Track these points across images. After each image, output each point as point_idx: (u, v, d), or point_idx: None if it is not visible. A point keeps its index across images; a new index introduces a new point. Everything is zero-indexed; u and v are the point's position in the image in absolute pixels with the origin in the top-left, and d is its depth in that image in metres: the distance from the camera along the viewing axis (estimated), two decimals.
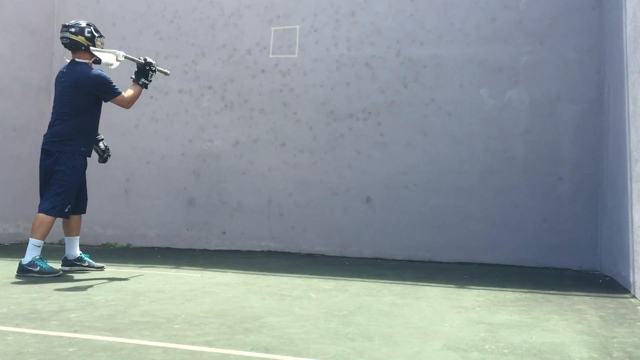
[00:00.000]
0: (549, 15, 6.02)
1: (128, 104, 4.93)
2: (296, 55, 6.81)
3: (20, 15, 7.25)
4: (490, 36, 6.19)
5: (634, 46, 4.23)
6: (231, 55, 7.04)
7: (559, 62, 5.97)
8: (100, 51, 4.89)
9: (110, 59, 4.88)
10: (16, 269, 4.62)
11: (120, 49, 7.26)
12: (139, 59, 5.06)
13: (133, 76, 5.02)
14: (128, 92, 4.93)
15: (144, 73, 4.99)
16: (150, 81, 5.06)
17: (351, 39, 6.63)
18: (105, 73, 4.89)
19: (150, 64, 5.01)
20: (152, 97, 7.16)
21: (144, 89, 5.06)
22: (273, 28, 6.92)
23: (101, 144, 5.18)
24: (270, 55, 6.91)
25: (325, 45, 6.71)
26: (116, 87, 4.90)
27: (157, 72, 5.08)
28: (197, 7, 7.19)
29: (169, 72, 5.31)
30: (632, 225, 4.16)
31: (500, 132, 6.11)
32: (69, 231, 5.00)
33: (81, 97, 4.78)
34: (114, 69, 4.94)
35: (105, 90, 4.84)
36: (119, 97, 4.87)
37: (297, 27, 6.83)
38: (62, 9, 7.67)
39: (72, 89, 4.78)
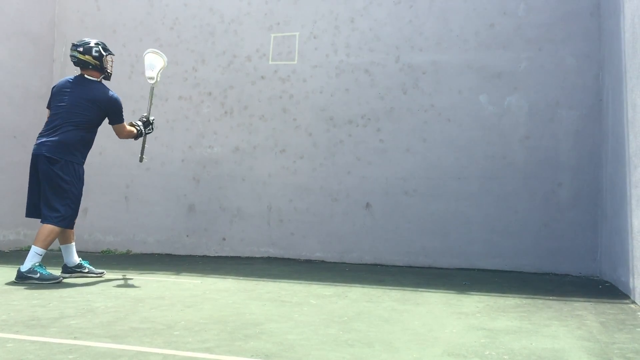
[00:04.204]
0: (548, 21, 6.04)
1: (123, 135, 5.15)
2: (296, 62, 6.83)
3: (20, 23, 7.27)
4: (489, 42, 6.21)
5: (632, 52, 4.24)
6: (231, 62, 7.06)
7: (557, 68, 5.99)
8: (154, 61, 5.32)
9: (153, 72, 5.32)
10: (15, 275, 4.62)
11: (120, 55, 7.33)
12: (149, 114, 5.36)
13: (138, 121, 5.29)
14: (129, 127, 5.17)
15: (150, 125, 5.31)
16: (146, 132, 5.30)
17: (350, 45, 6.65)
18: (119, 97, 5.10)
19: (149, 123, 5.31)
20: (152, 104, 7.15)
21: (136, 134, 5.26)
22: (272, 35, 6.94)
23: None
24: (270, 62, 6.93)
25: (324, 52, 6.73)
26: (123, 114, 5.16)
27: (147, 133, 5.32)
28: (197, 14, 7.22)
29: (144, 159, 5.49)
30: (632, 231, 4.16)
31: (499, 138, 6.12)
32: (64, 240, 4.96)
33: (96, 114, 4.91)
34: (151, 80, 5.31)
35: (118, 114, 5.05)
36: (122, 125, 5.10)
37: (297, 33, 6.86)
38: (63, 16, 7.70)
39: (90, 104, 4.87)
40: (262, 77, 6.93)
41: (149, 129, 5.32)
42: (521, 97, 6.08)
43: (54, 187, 4.68)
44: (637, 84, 4.07)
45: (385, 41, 6.54)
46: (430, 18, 6.41)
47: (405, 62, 6.45)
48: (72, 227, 4.90)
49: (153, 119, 5.37)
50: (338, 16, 6.71)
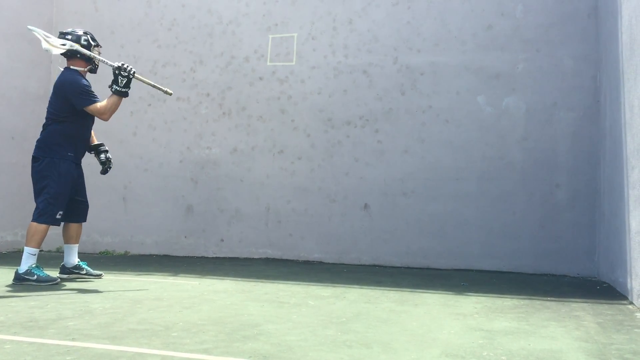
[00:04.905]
0: (545, 23, 6.05)
1: (102, 114, 4.77)
2: (294, 63, 6.83)
3: (18, 24, 7.26)
4: (487, 44, 6.22)
5: (629, 53, 4.26)
6: (229, 63, 7.06)
7: (555, 69, 6.00)
8: (45, 37, 4.75)
9: (48, 45, 4.73)
10: (12, 277, 4.62)
11: (118, 57, 7.32)
12: (113, 64, 4.86)
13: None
14: (103, 102, 4.77)
15: (114, 79, 4.80)
16: (123, 88, 4.79)
17: (348, 46, 6.65)
18: (86, 81, 4.82)
19: (120, 68, 4.78)
20: (150, 104, 7.17)
21: (124, 99, 4.88)
22: (271, 36, 6.94)
23: (102, 156, 5.08)
24: (268, 63, 6.93)
25: (322, 53, 6.73)
26: (93, 96, 4.77)
27: (132, 78, 4.84)
28: (195, 15, 7.22)
29: (170, 91, 5.06)
30: (630, 232, 4.17)
31: (497, 139, 6.12)
32: (67, 239, 4.99)
33: (60, 102, 4.75)
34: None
35: (78, 96, 4.70)
36: (91, 106, 4.72)
37: (295, 34, 6.86)
38: (61, 17, 7.69)
39: (54, 94, 4.81)
40: (260, 78, 6.93)
41: (128, 73, 4.78)
42: (519, 98, 6.09)
43: (35, 184, 4.75)
44: (634, 86, 4.08)
45: (383, 42, 6.54)
46: (428, 19, 6.41)
47: (403, 63, 6.46)
48: (56, 224, 4.77)
49: (122, 63, 4.84)
50: (336, 17, 6.72)
